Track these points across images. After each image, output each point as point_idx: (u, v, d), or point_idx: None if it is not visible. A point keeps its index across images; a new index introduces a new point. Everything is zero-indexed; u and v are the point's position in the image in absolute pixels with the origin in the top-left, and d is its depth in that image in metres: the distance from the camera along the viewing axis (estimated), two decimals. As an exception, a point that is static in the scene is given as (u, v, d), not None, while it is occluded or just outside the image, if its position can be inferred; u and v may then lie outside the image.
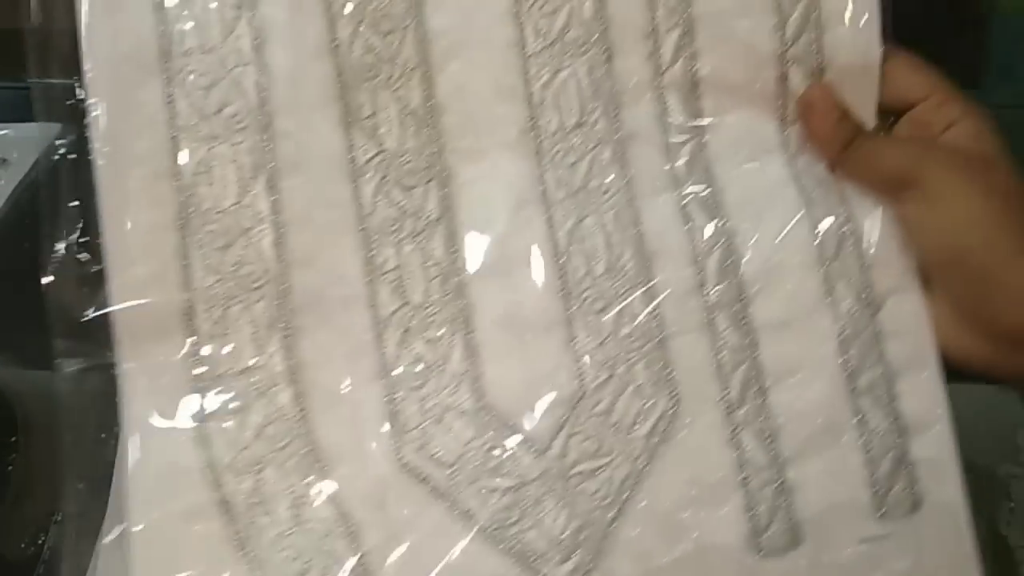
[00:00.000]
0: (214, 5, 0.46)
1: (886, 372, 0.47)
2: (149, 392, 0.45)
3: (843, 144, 0.48)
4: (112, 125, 0.45)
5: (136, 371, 0.45)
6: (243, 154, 0.46)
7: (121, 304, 0.45)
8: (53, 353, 0.45)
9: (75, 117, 0.46)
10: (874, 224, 0.48)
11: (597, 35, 0.48)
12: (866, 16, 0.48)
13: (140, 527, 0.43)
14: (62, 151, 0.46)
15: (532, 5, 0.48)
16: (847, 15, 0.48)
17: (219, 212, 0.46)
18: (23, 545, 0.47)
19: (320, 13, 0.47)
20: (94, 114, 0.45)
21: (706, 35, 0.48)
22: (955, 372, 0.48)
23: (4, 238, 0.53)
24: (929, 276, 0.47)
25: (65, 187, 0.46)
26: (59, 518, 0.46)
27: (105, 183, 0.45)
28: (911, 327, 0.47)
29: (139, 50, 0.45)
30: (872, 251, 0.48)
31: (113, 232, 0.45)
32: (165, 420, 0.45)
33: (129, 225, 0.45)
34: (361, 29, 0.47)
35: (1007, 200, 0.45)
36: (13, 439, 0.51)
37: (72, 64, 0.46)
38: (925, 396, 0.47)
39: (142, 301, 0.45)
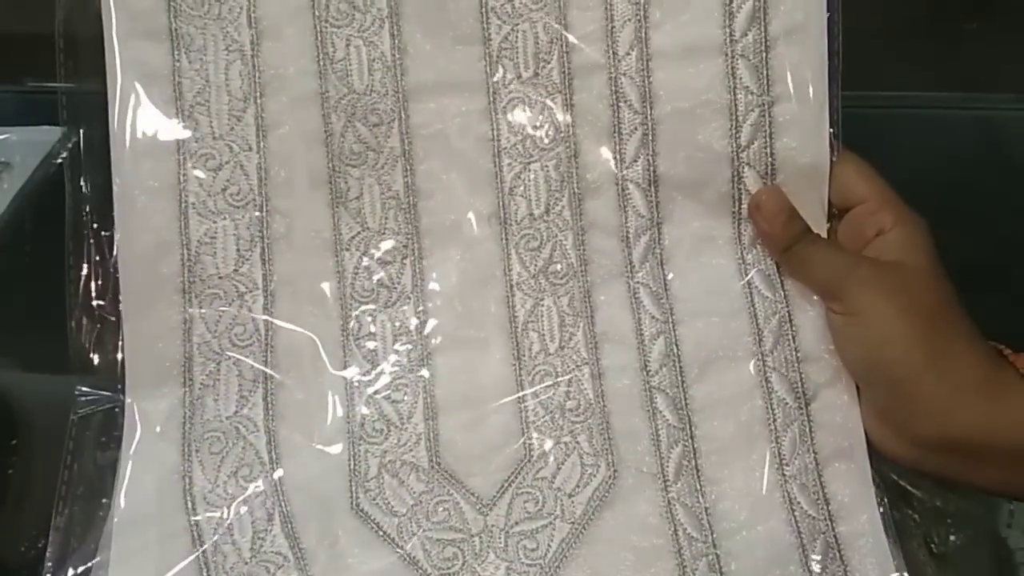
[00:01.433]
0: (225, 99, 0.52)
1: (815, 461, 0.51)
2: (146, 429, 0.51)
3: (787, 245, 0.51)
4: (130, 201, 0.52)
5: (137, 408, 0.51)
6: (243, 228, 0.52)
7: (131, 351, 0.51)
8: (74, 389, 0.50)
9: (77, 122, 0.51)
10: (810, 321, 0.52)
11: (565, 133, 0.53)
12: (818, 124, 0.51)
13: (119, 546, 0.49)
14: (64, 155, 0.50)
15: (507, 105, 0.52)
16: (799, 125, 0.51)
17: (219, 279, 0.51)
18: (23, 549, 0.49)
19: (316, 106, 0.53)
20: (116, 191, 0.51)
21: (665, 136, 0.52)
22: None
23: (6, 242, 0.54)
24: (855, 380, 0.50)
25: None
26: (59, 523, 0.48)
27: (123, 249, 0.52)
28: (841, 420, 0.51)
29: (158, 137, 0.52)
30: (808, 346, 0.52)
31: (128, 293, 0.52)
32: (159, 453, 0.51)
33: (141, 286, 0.52)
34: (352, 122, 0.52)
35: (924, 317, 0.47)
36: (13, 443, 0.52)
37: (76, 70, 0.51)
38: (854, 485, 0.50)
39: (147, 350, 0.51)
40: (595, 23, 0.53)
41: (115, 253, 0.52)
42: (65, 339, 0.50)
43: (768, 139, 0.52)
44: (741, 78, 0.52)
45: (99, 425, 0.50)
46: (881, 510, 0.50)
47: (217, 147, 0.52)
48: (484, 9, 0.52)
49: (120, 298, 0.51)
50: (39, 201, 0.52)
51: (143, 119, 0.52)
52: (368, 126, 0.53)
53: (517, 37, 0.53)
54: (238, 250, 0.52)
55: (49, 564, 0.47)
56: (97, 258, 0.51)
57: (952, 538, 0.52)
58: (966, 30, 0.70)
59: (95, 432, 0.50)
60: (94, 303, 0.52)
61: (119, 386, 0.51)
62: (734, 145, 0.52)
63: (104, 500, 0.49)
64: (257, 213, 0.52)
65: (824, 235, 0.51)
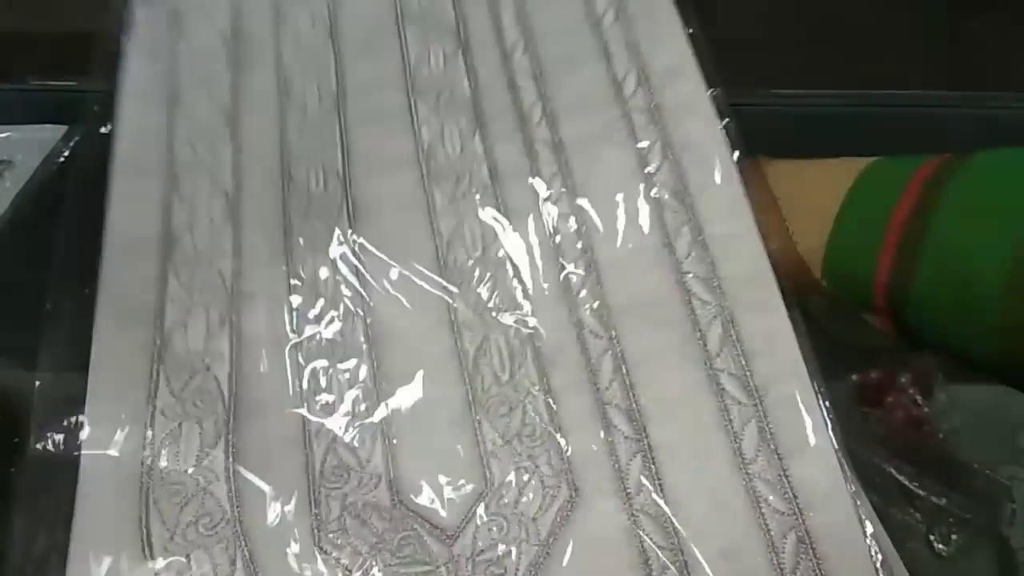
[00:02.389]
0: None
1: (777, 455, 0.50)
2: (102, 477, 0.51)
3: None
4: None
5: (94, 461, 0.51)
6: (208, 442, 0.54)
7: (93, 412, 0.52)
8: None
9: (80, 119, 0.51)
10: (752, 319, 0.54)
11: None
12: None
13: None
14: (66, 153, 0.52)
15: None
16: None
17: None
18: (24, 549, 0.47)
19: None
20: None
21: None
22: (959, 371, 0.50)
23: (8, 240, 0.54)
24: None
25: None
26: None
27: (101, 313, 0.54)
28: (797, 411, 0.51)
29: (133, 363, 0.55)
30: (752, 344, 0.53)
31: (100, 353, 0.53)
32: (114, 502, 0.51)
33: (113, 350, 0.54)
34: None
35: None
36: (16, 441, 0.52)
37: (78, 68, 0.53)
38: (819, 474, 0.50)
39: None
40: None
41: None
42: (66, 339, 0.50)
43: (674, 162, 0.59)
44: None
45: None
46: (858, 501, 0.49)
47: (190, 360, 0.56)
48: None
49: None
50: (41, 200, 0.53)
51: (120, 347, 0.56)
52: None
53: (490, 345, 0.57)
54: (198, 460, 0.53)
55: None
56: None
57: (954, 537, 0.52)
58: (966, 29, 0.72)
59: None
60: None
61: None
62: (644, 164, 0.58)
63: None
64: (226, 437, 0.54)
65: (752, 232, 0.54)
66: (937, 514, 0.51)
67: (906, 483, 0.51)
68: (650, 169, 0.58)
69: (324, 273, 0.58)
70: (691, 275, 0.55)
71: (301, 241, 0.58)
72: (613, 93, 0.63)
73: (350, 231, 0.58)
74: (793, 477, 0.50)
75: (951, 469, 0.54)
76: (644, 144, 0.60)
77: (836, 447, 0.49)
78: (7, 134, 0.66)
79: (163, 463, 0.51)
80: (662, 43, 0.64)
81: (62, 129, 0.54)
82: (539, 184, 0.59)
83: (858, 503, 0.48)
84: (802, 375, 0.51)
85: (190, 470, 0.51)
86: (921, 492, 0.51)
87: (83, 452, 0.50)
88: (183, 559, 0.48)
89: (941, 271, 0.49)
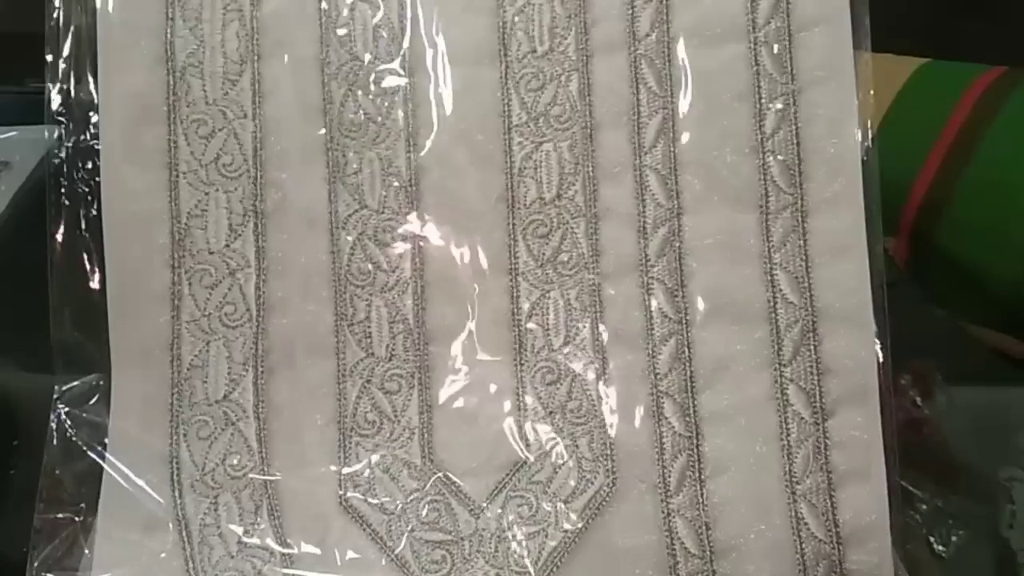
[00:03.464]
0: (220, 61, 0.49)
1: (828, 480, 0.48)
2: (132, 409, 0.49)
3: None
4: (117, 168, 0.49)
5: (123, 389, 0.49)
6: (235, 201, 0.49)
7: (116, 329, 0.49)
8: (53, 368, 0.49)
9: (73, 121, 0.49)
10: (836, 330, 0.49)
11: (581, 113, 0.49)
12: (844, 115, 0.49)
13: (103, 534, 0.48)
14: (60, 155, 0.49)
15: (520, 80, 0.49)
16: (825, 116, 0.49)
17: (211, 253, 0.49)
18: (25, 549, 0.49)
19: (316, 73, 0.49)
20: (103, 155, 0.49)
21: (687, 122, 0.49)
22: (959, 373, 0.49)
23: (5, 241, 0.54)
24: None
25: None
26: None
27: (109, 219, 0.49)
28: (859, 439, 0.48)
29: (148, 97, 0.49)
30: (830, 358, 0.49)
31: (114, 263, 0.49)
32: (143, 435, 0.49)
33: (127, 259, 0.49)
34: (353, 90, 0.49)
35: None
36: (15, 443, 0.52)
37: (77, 68, 0.49)
38: (866, 509, 0.48)
39: (134, 327, 0.49)
40: (615, 0, 0.49)
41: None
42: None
43: (794, 128, 0.49)
44: (764, 65, 0.49)
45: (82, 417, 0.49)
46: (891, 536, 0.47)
47: (210, 113, 0.49)
48: None
49: (106, 274, 0.49)
50: (38, 200, 0.50)
51: (131, 79, 0.49)
52: (370, 96, 0.49)
53: (533, 9, 0.49)
54: (230, 224, 0.50)
55: (35, 564, 0.47)
56: (87, 234, 0.49)
57: (954, 538, 0.51)
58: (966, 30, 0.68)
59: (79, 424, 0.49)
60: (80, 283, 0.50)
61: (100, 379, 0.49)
62: (759, 134, 0.49)
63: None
64: (251, 185, 0.49)
65: (862, 242, 0.48)
66: (937, 515, 0.51)
67: (906, 485, 0.50)
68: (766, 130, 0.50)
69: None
70: (782, 270, 0.49)
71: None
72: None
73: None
74: (839, 506, 0.48)
75: (951, 470, 0.53)
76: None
77: (888, 487, 0.48)
78: (4, 135, 0.65)
79: (191, 393, 0.49)
80: None
81: (59, 130, 0.49)
82: (636, 142, 0.51)
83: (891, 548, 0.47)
84: (873, 405, 0.48)
85: (216, 400, 0.49)
86: (921, 493, 0.50)
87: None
88: (210, 501, 0.48)
89: (984, 187, 0.47)
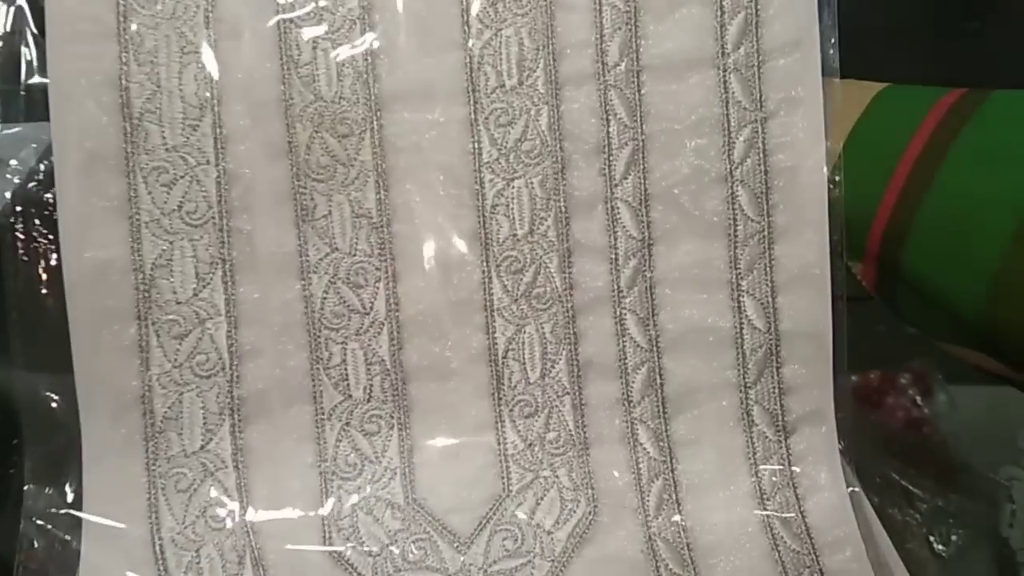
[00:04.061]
0: (179, 105, 0.47)
1: (796, 495, 0.50)
2: (106, 466, 0.48)
3: None
4: (76, 221, 0.47)
5: (95, 446, 0.48)
6: (201, 249, 0.48)
7: (83, 385, 0.48)
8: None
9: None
10: (796, 352, 0.50)
11: (551, 147, 0.49)
12: (812, 141, 0.49)
13: None
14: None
15: (489, 116, 0.48)
16: (794, 142, 0.50)
17: (178, 303, 0.48)
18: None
19: (279, 115, 0.48)
20: (60, 207, 0.47)
21: (657, 152, 0.50)
22: (957, 376, 0.51)
23: (3, 240, 0.51)
24: None
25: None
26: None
27: (69, 273, 0.47)
28: (821, 453, 0.50)
29: (104, 145, 0.47)
30: (791, 378, 0.51)
31: (77, 317, 0.47)
32: (119, 492, 0.48)
33: (91, 313, 0.48)
34: (319, 132, 0.48)
35: None
36: (15, 442, 0.50)
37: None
38: (835, 518, 0.50)
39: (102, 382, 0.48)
40: (583, 31, 0.49)
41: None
42: (66, 338, 0.48)
43: (762, 156, 0.50)
44: (733, 92, 0.49)
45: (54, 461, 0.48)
46: (867, 540, 0.49)
47: (171, 160, 0.48)
48: (465, 13, 0.48)
49: (69, 326, 0.47)
50: (37, 199, 0.48)
51: (88, 128, 0.47)
52: (337, 137, 0.48)
53: (501, 43, 0.49)
54: (197, 273, 0.48)
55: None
56: (47, 288, 0.48)
57: (953, 538, 0.53)
58: (966, 29, 0.69)
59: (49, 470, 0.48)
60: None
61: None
62: (728, 162, 0.49)
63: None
64: (217, 233, 0.48)
65: (825, 268, 0.49)
66: (937, 515, 0.52)
67: (906, 484, 0.52)
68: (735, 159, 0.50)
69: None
70: (749, 296, 0.50)
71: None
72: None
73: None
74: (808, 516, 0.50)
75: (951, 470, 0.55)
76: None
77: (851, 491, 0.50)
78: (2, 132, 0.59)
79: (167, 446, 0.48)
80: None
81: None
82: (607, 174, 0.51)
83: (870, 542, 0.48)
84: (830, 421, 0.50)
85: (193, 452, 0.49)
86: (921, 493, 0.52)
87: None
88: (192, 554, 0.47)
89: (944, 213, 0.47)
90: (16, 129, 0.58)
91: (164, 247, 0.48)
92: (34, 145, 0.56)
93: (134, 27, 0.47)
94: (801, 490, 0.50)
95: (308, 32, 0.48)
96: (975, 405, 0.56)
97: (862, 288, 0.51)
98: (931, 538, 0.52)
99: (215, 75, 0.48)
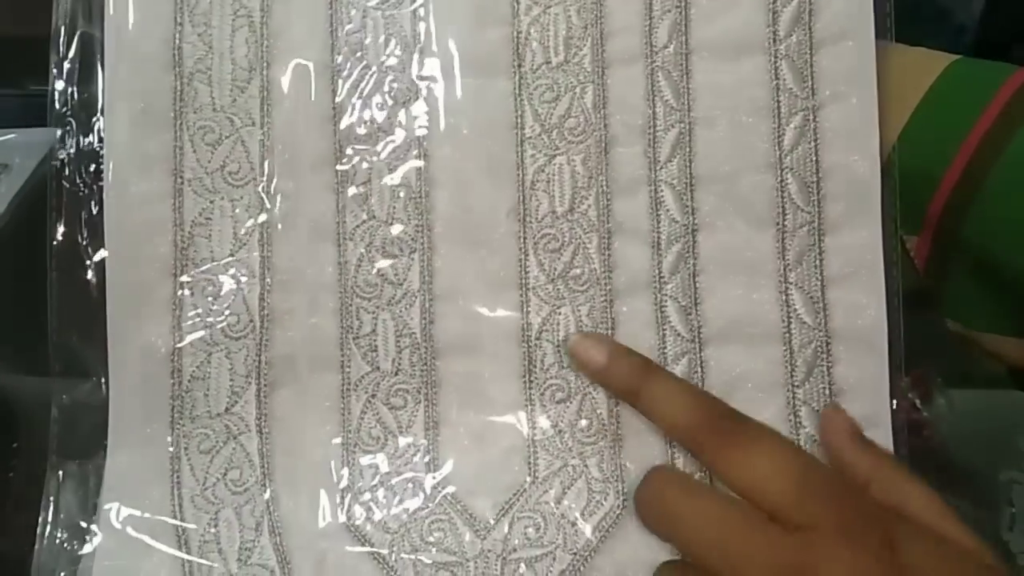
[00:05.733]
0: (229, 67, 0.48)
1: None
2: (133, 419, 0.48)
3: None
4: (122, 173, 0.48)
5: (124, 397, 0.48)
6: (241, 210, 0.48)
7: (115, 337, 0.48)
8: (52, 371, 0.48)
9: (77, 123, 0.49)
10: (849, 351, 0.48)
11: (595, 126, 0.48)
12: (865, 133, 0.48)
13: (105, 538, 0.47)
14: (62, 156, 0.49)
15: (534, 91, 0.48)
16: (845, 133, 0.48)
17: (213, 262, 0.48)
18: (25, 549, 0.48)
19: (327, 80, 0.49)
20: (107, 159, 0.48)
21: (704, 136, 0.48)
22: (957, 377, 0.49)
23: (5, 243, 0.54)
24: None
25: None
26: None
27: (111, 226, 0.48)
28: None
29: (154, 103, 0.48)
30: (842, 379, 0.48)
31: (115, 271, 0.48)
32: (144, 446, 0.48)
33: (129, 266, 0.48)
34: (361, 100, 0.48)
35: None
36: (14, 444, 0.52)
37: (82, 71, 0.49)
38: None
39: (134, 336, 0.48)
40: (633, 11, 0.48)
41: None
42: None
43: (813, 146, 0.48)
44: (784, 79, 0.48)
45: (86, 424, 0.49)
46: None
47: (217, 120, 0.48)
48: None
49: (106, 280, 0.48)
50: (38, 203, 0.50)
51: (138, 84, 0.49)
52: (380, 105, 0.48)
53: (549, 19, 0.48)
54: (235, 234, 0.48)
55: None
56: (87, 239, 0.49)
57: None
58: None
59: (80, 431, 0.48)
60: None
61: (103, 379, 0.49)
62: (777, 150, 0.48)
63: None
64: (257, 194, 0.49)
65: (879, 263, 0.48)
66: None
67: None
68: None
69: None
70: (798, 289, 0.49)
71: None
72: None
73: None
74: None
75: (951, 473, 0.52)
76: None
77: None
78: (4, 137, 0.65)
79: (192, 405, 0.49)
80: None
81: (59, 132, 0.49)
82: (652, 156, 0.50)
83: None
84: (885, 427, 0.48)
85: (218, 413, 0.49)
86: None
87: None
88: (211, 516, 0.47)
89: (1013, 183, 0.46)
90: (15, 133, 0.62)
91: (205, 205, 0.48)
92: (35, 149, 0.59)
93: None
94: None
95: (360, 2, 0.49)
96: (975, 408, 0.55)
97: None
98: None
99: (266, 40, 0.49)
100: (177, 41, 0.48)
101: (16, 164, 0.62)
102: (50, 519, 0.48)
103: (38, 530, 0.47)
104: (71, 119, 0.48)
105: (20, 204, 0.60)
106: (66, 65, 0.48)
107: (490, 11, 0.48)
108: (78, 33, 0.49)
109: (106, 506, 0.47)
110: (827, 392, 0.48)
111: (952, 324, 0.51)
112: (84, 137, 0.48)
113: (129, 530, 0.47)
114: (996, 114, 0.46)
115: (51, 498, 0.48)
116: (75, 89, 0.49)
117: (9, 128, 0.64)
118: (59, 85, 0.49)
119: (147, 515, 0.47)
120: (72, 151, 0.48)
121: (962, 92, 0.48)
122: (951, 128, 0.48)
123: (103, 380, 0.48)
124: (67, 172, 0.48)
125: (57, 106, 0.49)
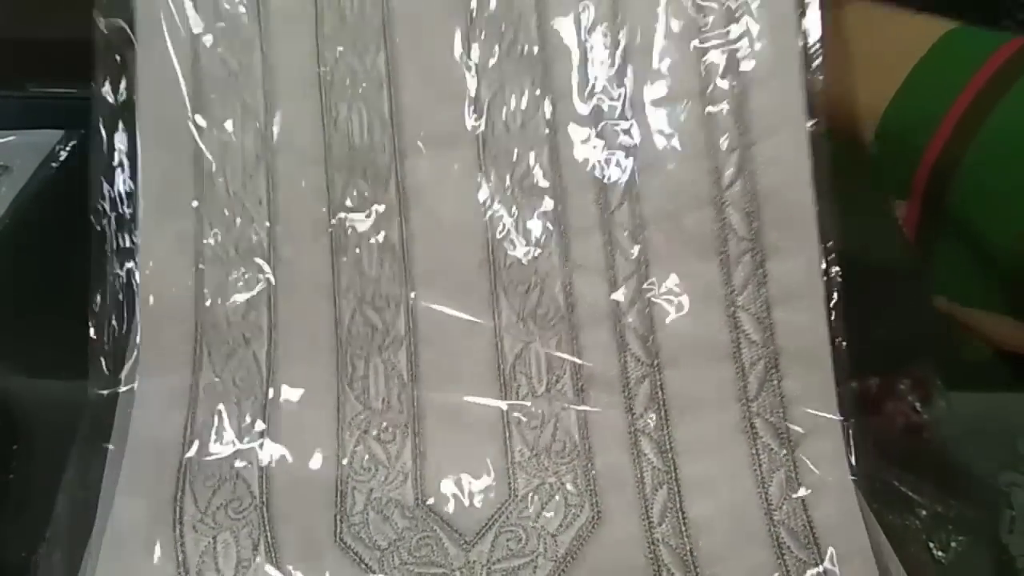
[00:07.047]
0: (239, 159, 0.57)
1: (804, 505, 0.50)
2: (144, 450, 0.53)
3: None
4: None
5: (137, 434, 0.53)
6: (252, 280, 0.55)
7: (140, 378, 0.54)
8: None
9: (76, 124, 0.51)
10: (795, 368, 0.52)
11: (553, 183, 0.56)
12: (796, 157, 0.52)
13: (107, 552, 0.50)
14: (63, 157, 0.52)
15: (496, 156, 0.56)
16: (777, 161, 0.53)
17: (228, 324, 0.55)
18: (23, 555, 0.49)
19: (320, 165, 0.57)
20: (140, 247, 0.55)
21: (649, 180, 0.55)
22: (958, 378, 0.50)
23: (5, 244, 0.55)
24: None
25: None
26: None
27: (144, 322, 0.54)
28: (827, 465, 0.51)
29: (178, 187, 0.56)
30: (793, 392, 0.52)
31: (146, 323, 0.54)
32: (152, 479, 0.52)
33: (157, 324, 0.55)
34: (353, 177, 0.56)
35: None
36: (14, 448, 0.53)
37: (76, 72, 0.53)
38: (844, 528, 0.49)
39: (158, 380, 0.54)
40: (573, 77, 0.56)
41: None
42: (66, 342, 0.51)
43: (750, 179, 0.53)
44: (719, 122, 0.53)
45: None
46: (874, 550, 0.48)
47: (230, 204, 0.55)
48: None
49: (137, 349, 0.53)
50: (39, 204, 0.53)
51: (159, 169, 0.56)
52: (367, 182, 0.56)
53: (505, 92, 0.56)
54: (248, 300, 0.55)
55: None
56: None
57: (953, 544, 0.51)
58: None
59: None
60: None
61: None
62: (717, 187, 0.54)
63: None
64: (265, 266, 0.55)
65: (817, 282, 0.52)
66: (936, 521, 0.51)
67: (905, 490, 0.50)
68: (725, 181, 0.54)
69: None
70: (745, 312, 0.53)
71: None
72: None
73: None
74: (817, 528, 0.50)
75: (950, 476, 0.53)
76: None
77: (861, 508, 0.49)
78: (4, 139, 0.65)
79: (202, 448, 0.53)
80: None
81: (59, 134, 0.54)
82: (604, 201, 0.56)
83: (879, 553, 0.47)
84: (836, 435, 0.51)
85: (225, 457, 0.52)
86: (920, 499, 0.51)
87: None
88: (209, 540, 0.50)
89: (998, 147, 0.47)
90: (15, 135, 0.62)
91: (221, 278, 0.55)
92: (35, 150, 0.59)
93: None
94: (808, 501, 0.50)
95: (345, 93, 0.58)
96: (975, 410, 0.55)
97: (860, 294, 0.52)
98: (930, 544, 0.50)
99: (270, 134, 0.58)
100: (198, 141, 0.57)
101: (17, 166, 0.63)
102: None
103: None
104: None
105: (20, 206, 0.61)
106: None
107: (452, 88, 0.57)
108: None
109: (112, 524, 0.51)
110: (779, 404, 0.52)
111: (941, 302, 0.53)
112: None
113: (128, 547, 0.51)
114: (983, 83, 0.48)
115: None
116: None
117: (10, 130, 0.64)
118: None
119: (147, 535, 0.51)
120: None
121: (955, 60, 0.50)
122: (940, 95, 0.49)
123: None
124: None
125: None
